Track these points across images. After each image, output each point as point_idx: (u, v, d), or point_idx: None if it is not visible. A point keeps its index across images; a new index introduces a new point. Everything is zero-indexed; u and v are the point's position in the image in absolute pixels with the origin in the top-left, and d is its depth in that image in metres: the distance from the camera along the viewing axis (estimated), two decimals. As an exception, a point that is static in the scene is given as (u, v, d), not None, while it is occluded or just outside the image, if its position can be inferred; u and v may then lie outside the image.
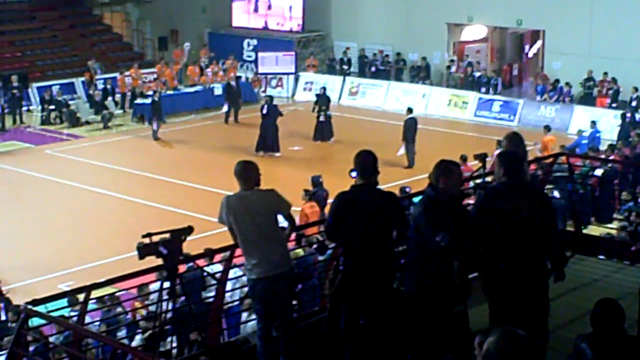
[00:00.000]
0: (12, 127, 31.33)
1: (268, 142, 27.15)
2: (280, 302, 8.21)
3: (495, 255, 7.76)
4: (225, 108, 32.13)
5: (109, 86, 33.62)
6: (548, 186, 13.36)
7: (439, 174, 7.59)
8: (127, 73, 34.39)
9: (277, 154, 27.08)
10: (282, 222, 8.28)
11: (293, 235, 9.31)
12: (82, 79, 34.90)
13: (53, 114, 32.07)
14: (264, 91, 35.28)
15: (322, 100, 29.27)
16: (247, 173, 8.05)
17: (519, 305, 7.75)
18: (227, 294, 10.36)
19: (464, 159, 20.77)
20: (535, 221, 7.77)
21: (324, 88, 30.52)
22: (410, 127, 25.92)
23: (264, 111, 27.29)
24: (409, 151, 25.77)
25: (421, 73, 35.39)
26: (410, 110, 26.46)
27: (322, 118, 28.93)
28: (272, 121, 27.19)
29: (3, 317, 13.61)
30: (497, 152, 9.21)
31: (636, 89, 29.86)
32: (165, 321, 7.84)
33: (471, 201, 9.34)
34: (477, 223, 7.73)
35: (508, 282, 7.79)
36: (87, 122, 31.85)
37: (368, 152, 7.89)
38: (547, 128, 24.97)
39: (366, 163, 7.81)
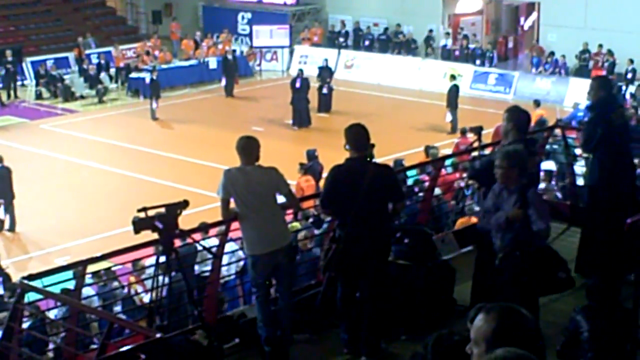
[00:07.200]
0: (7, 102, 31.19)
1: (303, 115, 27.11)
2: (280, 275, 8.27)
3: None
4: (223, 82, 32.03)
5: (102, 61, 33.47)
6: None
7: None
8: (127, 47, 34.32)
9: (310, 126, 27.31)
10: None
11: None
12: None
13: (47, 89, 31.94)
14: (259, 65, 35.15)
15: (325, 72, 29.29)
16: (249, 148, 8.09)
17: None
18: (223, 268, 10.36)
19: (463, 131, 20.71)
20: None
21: (326, 60, 30.58)
22: (453, 94, 26.07)
23: (297, 85, 27.12)
24: (453, 117, 25.94)
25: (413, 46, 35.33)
26: (453, 77, 26.48)
27: (325, 90, 28.92)
28: (304, 94, 27.13)
29: (1, 292, 13.59)
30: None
31: (632, 61, 29.78)
32: (162, 295, 7.82)
33: None
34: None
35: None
36: (82, 97, 31.70)
37: (359, 125, 7.89)
38: (537, 103, 24.88)
39: (358, 136, 7.82)
